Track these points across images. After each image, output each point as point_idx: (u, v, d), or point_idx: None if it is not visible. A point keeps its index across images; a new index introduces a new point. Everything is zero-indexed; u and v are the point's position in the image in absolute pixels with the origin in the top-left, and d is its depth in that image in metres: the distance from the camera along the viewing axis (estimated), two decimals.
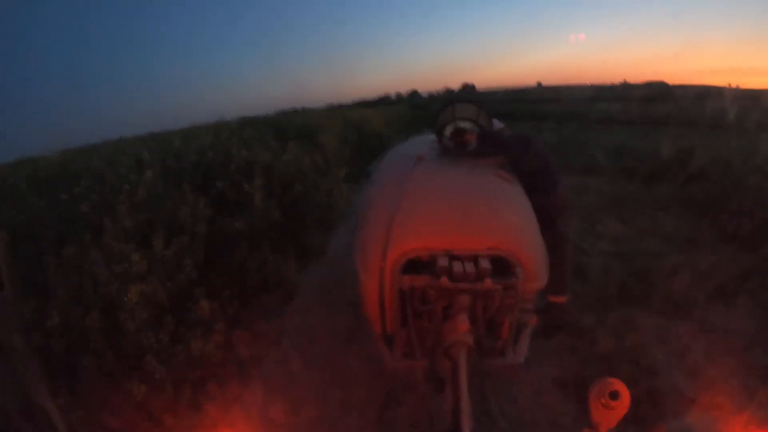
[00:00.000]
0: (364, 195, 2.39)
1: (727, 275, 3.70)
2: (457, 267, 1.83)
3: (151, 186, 3.92)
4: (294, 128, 9.19)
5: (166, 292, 3.04)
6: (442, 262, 1.85)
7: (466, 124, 2.67)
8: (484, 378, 2.22)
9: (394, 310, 1.97)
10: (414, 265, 1.92)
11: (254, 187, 4.48)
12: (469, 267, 1.83)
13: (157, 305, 2.95)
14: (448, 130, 2.68)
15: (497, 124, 3.04)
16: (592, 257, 4.29)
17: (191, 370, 2.78)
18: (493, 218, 1.98)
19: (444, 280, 1.82)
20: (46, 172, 5.77)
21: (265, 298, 3.81)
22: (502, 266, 1.88)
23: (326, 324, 3.37)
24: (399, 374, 2.38)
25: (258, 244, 4.18)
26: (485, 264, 1.84)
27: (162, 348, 2.72)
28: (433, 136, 2.80)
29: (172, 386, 2.63)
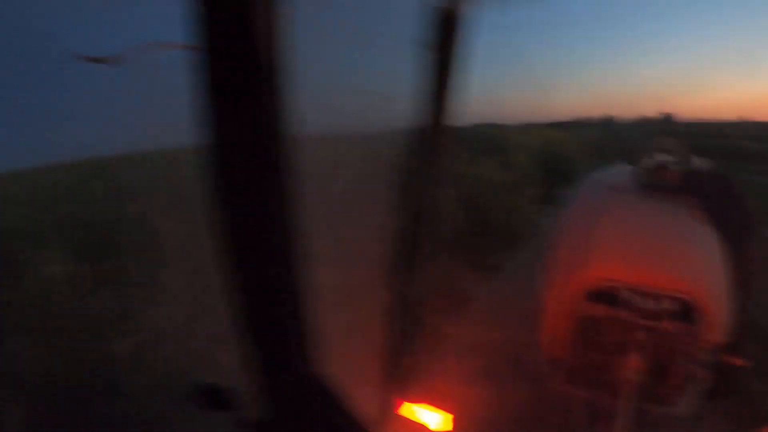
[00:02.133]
0: (555, 218, 2.42)
1: None
2: (640, 302, 1.82)
3: None
4: (486, 142, 9.24)
5: None
6: (626, 295, 1.84)
7: (667, 159, 2.47)
8: (643, 423, 2.04)
9: (569, 336, 1.97)
10: (595, 295, 1.91)
11: (444, 195, 4.60)
12: (652, 304, 1.82)
13: None
14: (648, 164, 2.49)
15: (696, 161, 2.83)
16: None
17: None
18: (682, 259, 1.94)
19: (624, 313, 1.82)
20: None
21: (437, 304, 3.88)
22: (684, 311, 1.82)
23: (494, 338, 3.33)
24: (559, 400, 2.31)
25: (438, 251, 4.29)
26: (668, 304, 1.81)
27: None
28: (630, 168, 2.69)
29: None
